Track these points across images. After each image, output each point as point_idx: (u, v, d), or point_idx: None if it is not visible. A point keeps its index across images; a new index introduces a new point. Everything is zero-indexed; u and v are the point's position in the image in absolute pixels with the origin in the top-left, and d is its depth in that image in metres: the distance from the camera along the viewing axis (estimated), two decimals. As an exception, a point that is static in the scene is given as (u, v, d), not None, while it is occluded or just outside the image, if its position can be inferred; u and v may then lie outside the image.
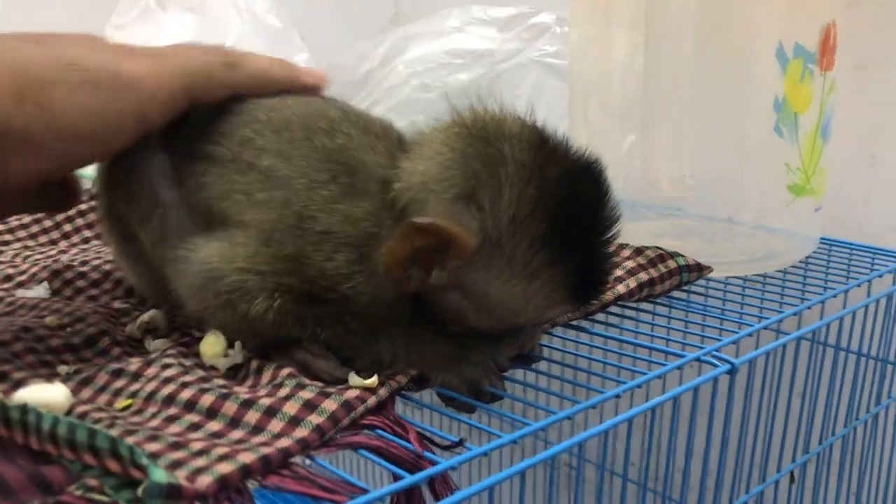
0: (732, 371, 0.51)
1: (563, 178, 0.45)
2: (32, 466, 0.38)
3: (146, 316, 0.56)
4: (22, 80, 0.42)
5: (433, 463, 0.41)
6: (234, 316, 0.48)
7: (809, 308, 0.62)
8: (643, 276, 0.61)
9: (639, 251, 0.64)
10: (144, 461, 0.34)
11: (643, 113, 0.63)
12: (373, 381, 0.45)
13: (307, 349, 0.48)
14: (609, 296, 0.59)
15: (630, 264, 0.62)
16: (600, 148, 0.50)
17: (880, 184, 0.82)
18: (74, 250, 0.72)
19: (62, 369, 0.48)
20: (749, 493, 0.57)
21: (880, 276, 0.71)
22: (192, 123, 0.53)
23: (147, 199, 0.51)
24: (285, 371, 0.46)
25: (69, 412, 0.43)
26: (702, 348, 0.54)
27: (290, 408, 0.42)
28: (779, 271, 0.70)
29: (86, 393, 0.46)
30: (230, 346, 0.50)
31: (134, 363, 0.48)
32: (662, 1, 0.60)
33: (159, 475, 0.34)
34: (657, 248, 0.64)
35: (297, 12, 1.13)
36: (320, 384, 0.45)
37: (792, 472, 0.62)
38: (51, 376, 0.47)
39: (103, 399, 0.45)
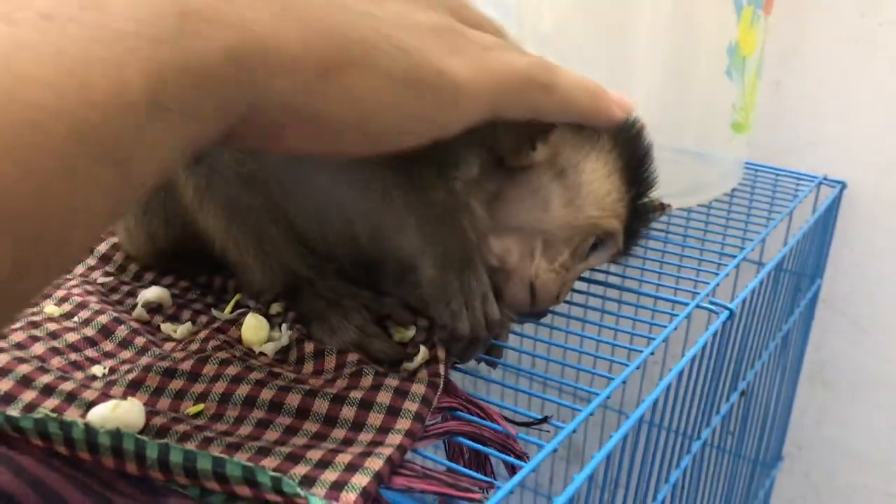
0: (731, 316, 0.56)
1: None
2: (153, 499, 0.36)
3: (150, 295, 0.52)
4: (336, 52, 0.31)
5: (517, 443, 0.43)
6: None
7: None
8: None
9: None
10: (300, 492, 0.34)
11: (616, 62, 0.65)
12: (423, 353, 0.46)
13: (362, 328, 0.48)
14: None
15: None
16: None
17: (784, 109, 0.90)
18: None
19: (97, 370, 0.45)
20: (720, 413, 0.65)
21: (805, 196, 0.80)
22: None
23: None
24: (354, 356, 0.46)
25: (146, 425, 0.40)
26: (687, 291, 0.58)
27: (384, 397, 0.42)
28: (716, 200, 0.77)
29: (142, 397, 0.43)
30: (272, 328, 0.49)
31: (181, 359, 0.45)
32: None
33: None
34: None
35: None
36: (396, 370, 0.45)
37: (743, 389, 0.70)
38: (88, 380, 0.44)
39: (165, 404, 0.43)
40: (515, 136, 0.49)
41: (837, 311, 0.94)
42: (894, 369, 0.93)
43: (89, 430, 0.37)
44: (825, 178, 0.87)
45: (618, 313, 0.58)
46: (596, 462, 0.40)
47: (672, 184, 0.74)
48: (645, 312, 0.57)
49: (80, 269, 0.57)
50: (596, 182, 0.52)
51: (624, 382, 0.48)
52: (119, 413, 0.39)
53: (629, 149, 0.53)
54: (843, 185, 0.87)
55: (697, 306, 0.57)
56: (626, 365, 0.48)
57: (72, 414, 0.40)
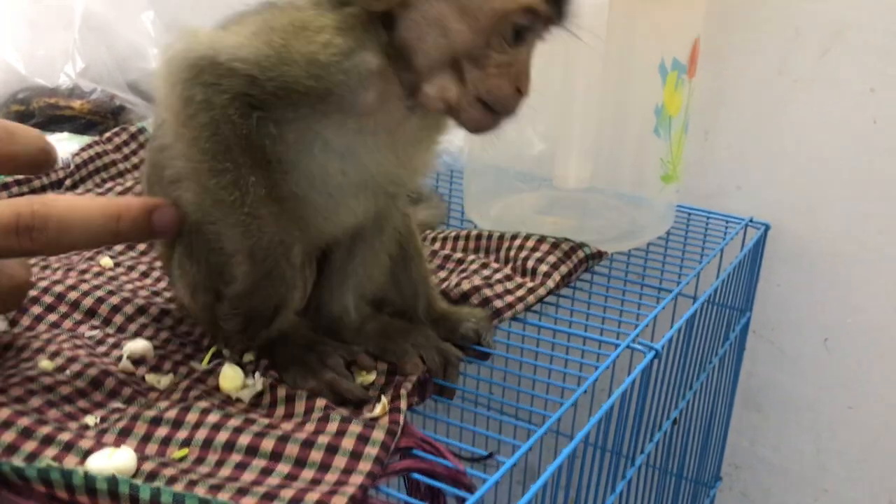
0: (657, 356, 0.63)
1: None
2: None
3: (134, 347, 0.58)
4: None
5: (466, 477, 0.49)
6: None
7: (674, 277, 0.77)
8: (564, 268, 0.72)
9: (555, 245, 0.74)
10: (278, 525, 0.40)
11: (557, 122, 0.72)
12: (383, 405, 0.52)
13: (334, 368, 0.54)
14: (542, 291, 0.69)
15: (552, 259, 0.72)
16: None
17: (712, 156, 0.98)
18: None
19: (89, 420, 0.50)
20: (652, 440, 0.72)
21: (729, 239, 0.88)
22: None
23: None
24: (321, 402, 0.52)
25: (138, 469, 0.46)
26: (630, 323, 0.65)
27: (348, 443, 0.48)
28: (653, 242, 0.84)
29: (131, 444, 0.48)
30: (245, 375, 0.54)
31: (165, 408, 0.51)
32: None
33: (294, 536, 0.40)
34: (567, 239, 0.75)
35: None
36: (358, 415, 0.51)
37: (675, 418, 0.77)
38: (81, 429, 0.49)
39: (153, 449, 0.48)
40: None
41: (766, 340, 1.02)
42: (817, 393, 1.01)
43: (88, 476, 0.42)
44: (751, 220, 0.95)
45: (565, 356, 0.64)
46: (546, 475, 0.46)
47: (610, 229, 0.82)
48: (591, 348, 0.64)
49: (68, 324, 0.62)
50: None
51: (558, 420, 0.54)
52: (114, 461, 0.45)
53: None
54: (767, 227, 0.95)
55: (628, 346, 0.64)
56: (562, 403, 0.55)
57: (70, 461, 0.46)
